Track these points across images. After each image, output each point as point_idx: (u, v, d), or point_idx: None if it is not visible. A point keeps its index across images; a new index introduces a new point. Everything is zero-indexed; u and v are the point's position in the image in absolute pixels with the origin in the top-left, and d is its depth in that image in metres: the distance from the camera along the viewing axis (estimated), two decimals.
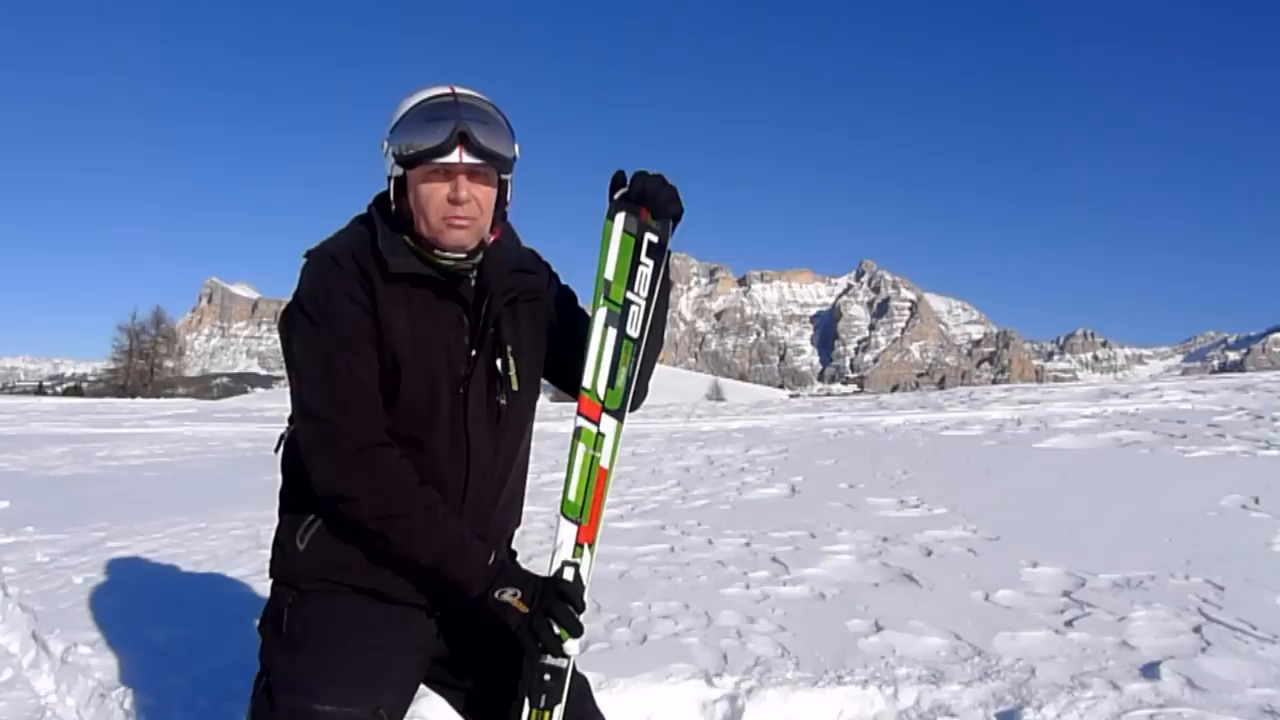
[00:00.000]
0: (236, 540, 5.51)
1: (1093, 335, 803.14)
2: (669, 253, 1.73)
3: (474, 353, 1.68)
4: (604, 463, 1.69)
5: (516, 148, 1.66)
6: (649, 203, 1.69)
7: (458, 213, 1.59)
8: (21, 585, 4.60)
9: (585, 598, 1.63)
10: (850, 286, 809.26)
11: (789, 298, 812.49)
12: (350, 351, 1.58)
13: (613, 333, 1.71)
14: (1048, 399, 12.13)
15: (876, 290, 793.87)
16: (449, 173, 1.58)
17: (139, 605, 4.19)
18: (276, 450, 1.78)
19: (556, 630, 1.58)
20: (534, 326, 1.78)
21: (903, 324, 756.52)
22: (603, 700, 1.89)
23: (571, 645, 1.60)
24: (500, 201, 1.68)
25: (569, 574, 1.64)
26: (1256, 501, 5.24)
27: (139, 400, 36.25)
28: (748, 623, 3.52)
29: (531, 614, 1.58)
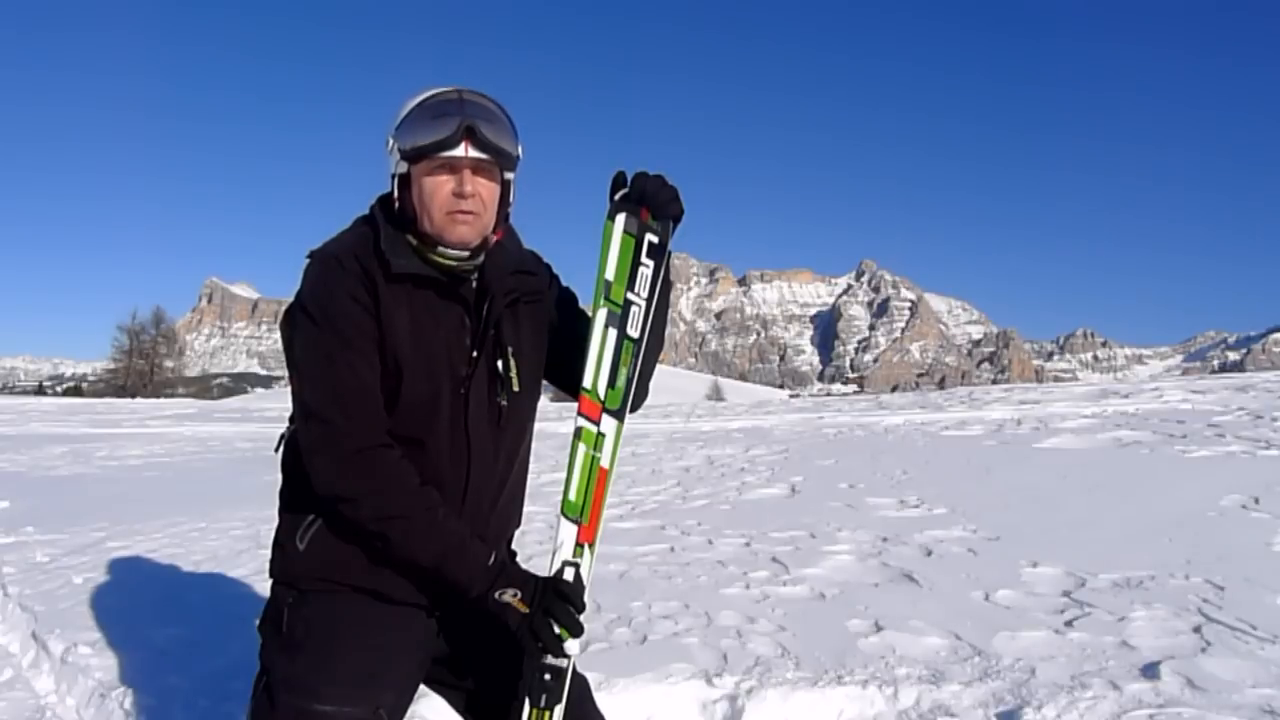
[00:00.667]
0: (236, 540, 5.51)
1: (1093, 335, 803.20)
2: (669, 253, 1.74)
3: (475, 354, 1.68)
4: (604, 463, 1.69)
5: (520, 148, 1.67)
6: (649, 204, 1.70)
7: (462, 206, 1.60)
8: (21, 585, 4.60)
9: (585, 598, 1.63)
10: (850, 286, 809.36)
11: (789, 298, 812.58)
12: (352, 352, 1.58)
13: (613, 333, 1.71)
14: (1048, 399, 12.13)
15: (876, 290, 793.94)
16: (454, 167, 1.59)
17: (139, 605, 4.20)
18: (276, 450, 1.78)
19: (556, 630, 1.58)
20: (535, 328, 1.78)
21: (903, 324, 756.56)
22: (603, 700, 1.89)
23: (572, 645, 1.60)
24: (503, 201, 1.68)
25: (569, 574, 1.64)
26: (1256, 501, 5.24)
27: (139, 400, 36.26)
28: (748, 623, 3.52)
29: (532, 614, 1.58)
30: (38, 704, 3.18)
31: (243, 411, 23.67)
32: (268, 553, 1.76)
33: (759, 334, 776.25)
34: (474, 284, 1.69)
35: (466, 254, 1.65)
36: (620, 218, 1.71)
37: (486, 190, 1.62)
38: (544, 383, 1.86)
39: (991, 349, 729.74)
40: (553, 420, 12.81)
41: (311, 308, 1.60)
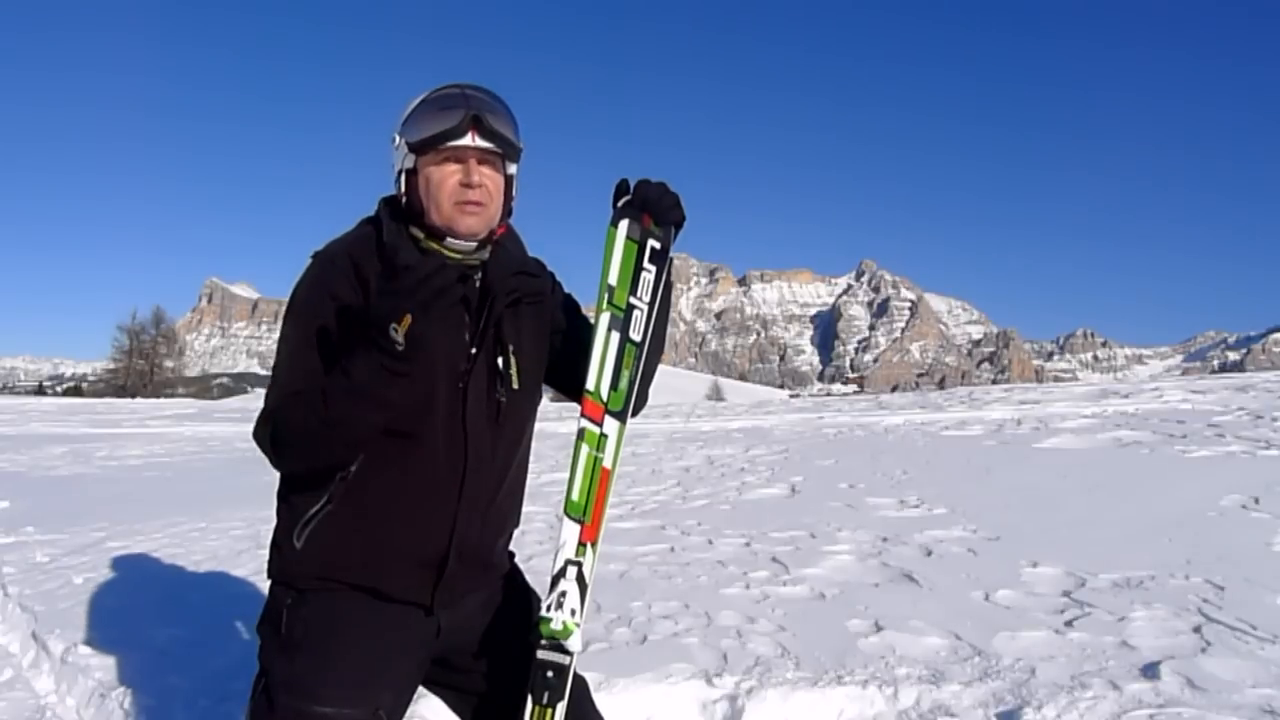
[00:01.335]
0: (236, 540, 5.52)
1: (1093, 335, 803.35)
2: (671, 259, 1.76)
3: (474, 350, 1.68)
4: (607, 464, 1.71)
5: (521, 141, 1.70)
6: (651, 210, 1.73)
7: (470, 196, 1.62)
8: (21, 585, 4.60)
9: (587, 596, 1.64)
10: (850, 286, 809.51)
11: (789, 298, 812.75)
12: (314, 351, 1.61)
13: (616, 336, 1.73)
14: (1048, 399, 12.13)
15: (876, 290, 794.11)
16: (460, 158, 1.62)
17: (139, 605, 4.20)
18: None
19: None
20: (536, 329, 1.79)
21: (903, 324, 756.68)
22: (603, 700, 1.89)
23: (574, 642, 1.62)
24: (507, 195, 1.71)
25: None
26: (1256, 501, 5.24)
27: (139, 400, 36.27)
28: (748, 623, 3.53)
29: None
30: (38, 704, 3.19)
31: (243, 411, 23.67)
32: (267, 553, 1.77)
33: (759, 334, 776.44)
34: (476, 283, 1.70)
35: (474, 245, 1.67)
36: (623, 224, 1.73)
37: (492, 181, 1.65)
38: (544, 385, 1.87)
39: (991, 349, 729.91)
40: (553, 420, 12.82)
41: (290, 307, 1.66)
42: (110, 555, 5.17)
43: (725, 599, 3.87)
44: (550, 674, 1.62)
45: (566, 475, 1.73)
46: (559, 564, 1.65)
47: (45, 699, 3.24)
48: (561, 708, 1.63)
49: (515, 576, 1.87)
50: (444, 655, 1.75)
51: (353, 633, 1.63)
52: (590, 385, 1.72)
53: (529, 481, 1.93)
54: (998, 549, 4.57)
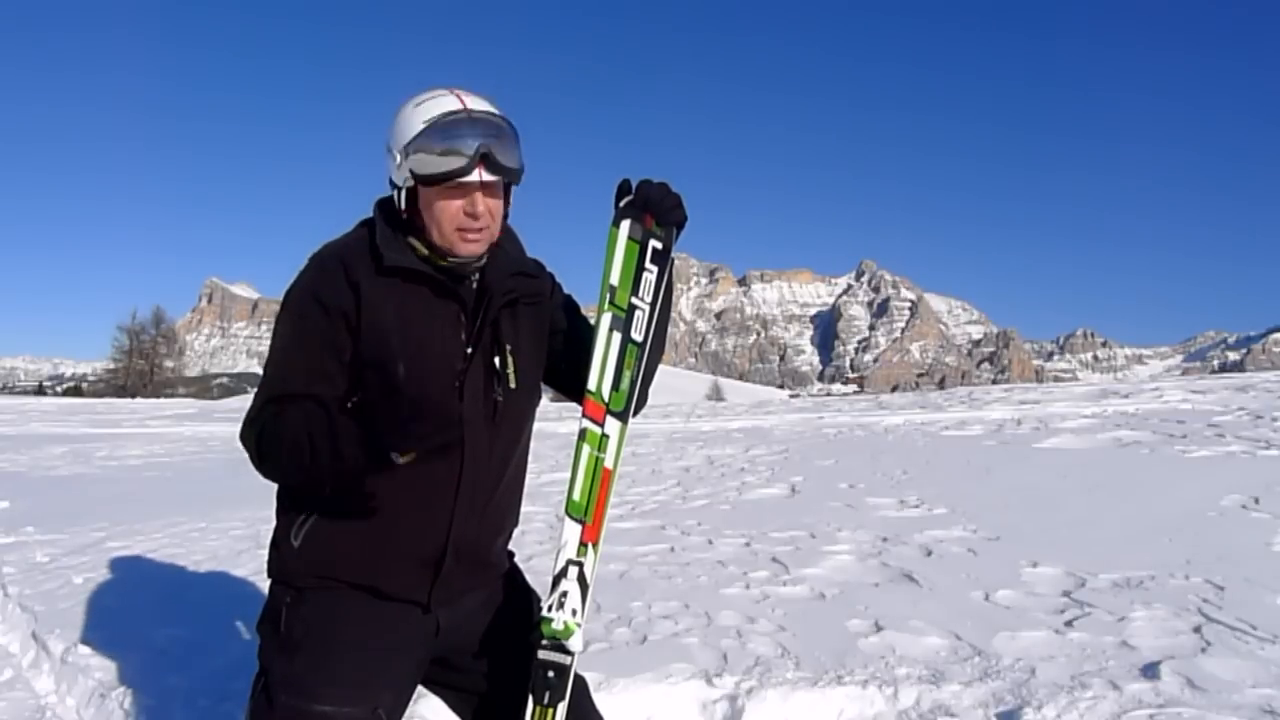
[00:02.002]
0: (236, 540, 5.52)
1: (1093, 335, 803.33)
2: (672, 259, 1.76)
3: (470, 350, 1.69)
4: (608, 464, 1.71)
5: (523, 160, 1.67)
6: (653, 210, 1.73)
7: (474, 225, 1.62)
8: (21, 585, 4.60)
9: (588, 596, 1.64)
10: (850, 286, 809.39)
11: (789, 298, 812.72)
12: (299, 356, 1.61)
13: (617, 337, 1.74)
14: (1048, 399, 12.14)
15: (876, 290, 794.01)
16: (465, 191, 1.60)
17: (139, 605, 4.20)
18: None
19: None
20: (534, 329, 1.79)
21: (903, 324, 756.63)
22: (603, 700, 1.89)
23: (575, 642, 1.62)
24: (505, 203, 1.70)
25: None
26: (1256, 501, 5.24)
27: (139, 400, 36.26)
28: (748, 623, 3.53)
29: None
30: (38, 704, 3.19)
31: (242, 411, 23.64)
32: (267, 552, 1.77)
33: (759, 334, 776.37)
34: (474, 285, 1.71)
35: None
36: (625, 224, 1.73)
37: (495, 205, 1.65)
38: (545, 385, 1.87)
39: (991, 349, 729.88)
40: (553, 420, 12.82)
41: (282, 311, 1.66)
42: (110, 555, 5.17)
43: (725, 599, 3.87)
44: (551, 674, 1.62)
45: (567, 475, 1.73)
46: (560, 564, 1.66)
47: (45, 699, 3.24)
48: (562, 708, 1.64)
49: (515, 576, 1.87)
50: (444, 655, 1.75)
51: (352, 631, 1.63)
52: (592, 386, 1.72)
53: (529, 481, 1.93)
54: (998, 549, 4.57)
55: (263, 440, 1.58)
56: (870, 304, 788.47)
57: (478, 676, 1.76)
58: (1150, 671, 2.85)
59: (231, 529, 5.91)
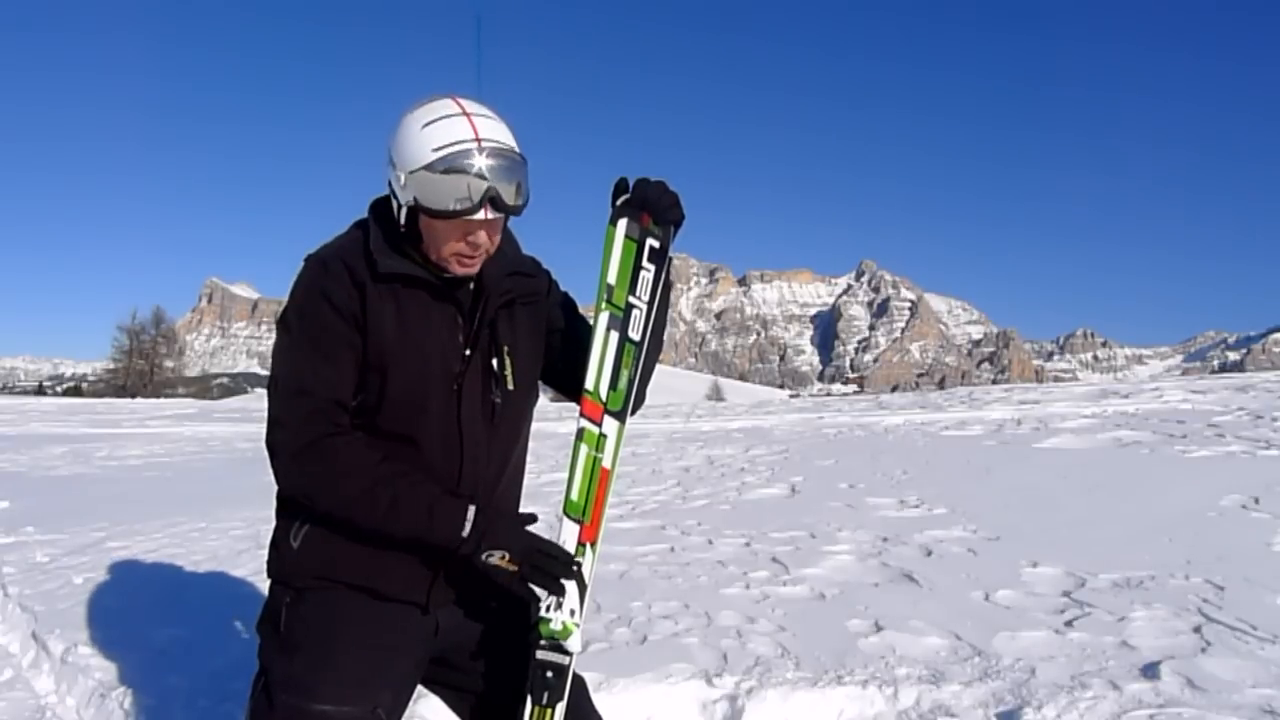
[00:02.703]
0: (236, 540, 5.51)
1: (1093, 335, 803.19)
2: (670, 258, 1.75)
3: (468, 351, 1.69)
4: (606, 463, 1.71)
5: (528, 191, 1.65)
6: (651, 209, 1.72)
7: (472, 254, 1.63)
8: (21, 585, 4.60)
9: (587, 597, 1.64)
10: (850, 286, 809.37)
11: (789, 298, 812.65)
12: (318, 355, 1.60)
13: (615, 336, 1.73)
14: (1048, 399, 12.13)
15: (876, 290, 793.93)
16: (468, 224, 1.59)
17: (139, 605, 4.20)
18: None
19: (551, 574, 1.60)
20: (532, 329, 1.79)
21: (903, 324, 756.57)
22: (603, 700, 1.89)
23: (574, 642, 1.61)
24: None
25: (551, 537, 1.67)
26: (1256, 501, 5.24)
27: (139, 400, 36.25)
28: (748, 623, 3.53)
29: (521, 568, 1.60)
30: (38, 704, 3.18)
31: (243, 411, 23.67)
32: (267, 553, 1.77)
33: (759, 334, 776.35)
34: (470, 286, 1.71)
35: None
36: (622, 223, 1.73)
37: (495, 235, 1.65)
38: (543, 384, 1.87)
39: (991, 349, 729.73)
40: (552, 420, 12.82)
41: (289, 312, 1.64)
42: (110, 555, 5.17)
43: (725, 599, 3.87)
44: (550, 674, 1.62)
45: (566, 475, 1.73)
46: None
47: (45, 699, 3.24)
48: (561, 708, 1.64)
49: None
50: (443, 655, 1.75)
51: (351, 631, 1.64)
52: (589, 385, 1.72)
53: (528, 481, 1.93)
54: (998, 549, 4.57)
55: (342, 479, 1.57)
56: (870, 304, 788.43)
57: (477, 676, 1.76)
58: (1150, 671, 2.85)
59: (231, 529, 5.91)
